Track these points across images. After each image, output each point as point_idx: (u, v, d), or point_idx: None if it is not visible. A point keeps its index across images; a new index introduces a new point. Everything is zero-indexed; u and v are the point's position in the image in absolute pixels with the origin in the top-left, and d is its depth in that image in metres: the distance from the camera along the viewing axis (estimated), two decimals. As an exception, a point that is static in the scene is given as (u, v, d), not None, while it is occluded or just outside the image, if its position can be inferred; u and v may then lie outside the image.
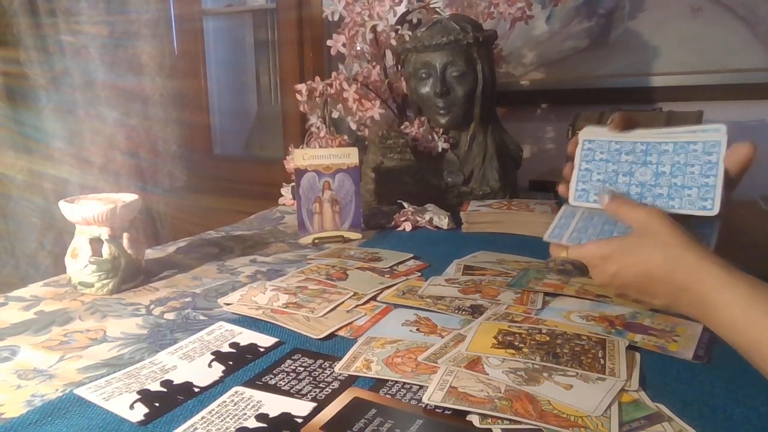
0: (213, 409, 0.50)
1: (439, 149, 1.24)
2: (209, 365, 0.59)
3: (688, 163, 0.57)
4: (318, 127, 1.29)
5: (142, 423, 0.49)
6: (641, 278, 0.55)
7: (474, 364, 0.55)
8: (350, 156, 1.04)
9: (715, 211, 0.55)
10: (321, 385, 0.55)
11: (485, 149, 1.25)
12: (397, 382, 0.54)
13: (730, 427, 0.47)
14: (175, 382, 0.56)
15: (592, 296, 0.72)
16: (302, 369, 0.58)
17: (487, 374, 0.53)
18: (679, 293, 0.52)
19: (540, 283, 0.77)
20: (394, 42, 1.28)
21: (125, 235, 0.83)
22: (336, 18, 1.26)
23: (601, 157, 0.61)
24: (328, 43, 1.28)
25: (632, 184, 0.59)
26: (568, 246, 0.61)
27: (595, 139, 0.63)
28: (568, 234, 0.63)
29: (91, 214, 0.78)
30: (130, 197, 0.85)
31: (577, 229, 0.63)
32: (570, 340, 0.60)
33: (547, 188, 1.40)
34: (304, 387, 0.54)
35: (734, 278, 0.49)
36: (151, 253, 0.98)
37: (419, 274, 0.86)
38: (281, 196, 1.39)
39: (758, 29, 1.31)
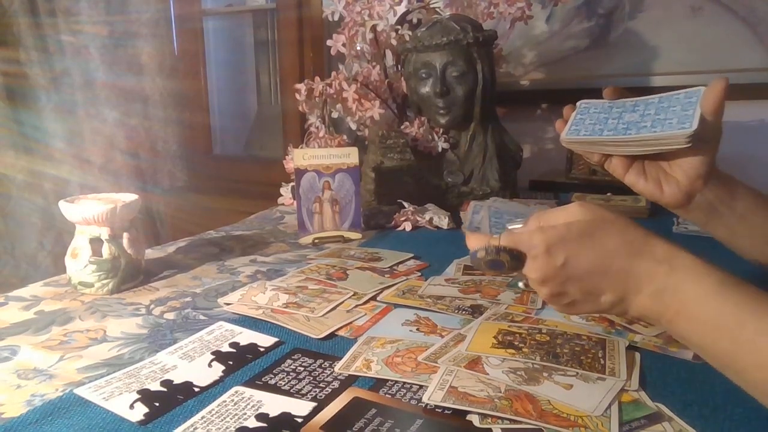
0: (213, 409, 0.50)
1: (439, 149, 1.24)
2: (209, 365, 0.59)
3: (671, 106, 0.61)
4: (317, 127, 1.29)
5: (142, 423, 0.49)
6: (594, 269, 0.48)
7: (474, 363, 0.55)
8: (350, 156, 1.04)
9: (694, 127, 0.56)
10: (321, 384, 0.55)
11: (485, 149, 1.25)
12: (397, 381, 0.54)
13: (730, 427, 0.47)
14: (175, 382, 0.56)
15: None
16: (302, 369, 0.58)
17: (487, 374, 0.53)
18: (636, 284, 0.47)
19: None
20: (394, 42, 1.28)
21: (125, 235, 0.83)
22: (336, 18, 1.26)
23: (594, 111, 0.67)
24: (328, 43, 1.28)
25: (620, 124, 0.63)
26: (498, 234, 0.51)
27: (590, 101, 0.69)
28: (568, 129, 0.66)
29: (91, 214, 0.78)
30: (130, 197, 0.85)
31: (576, 125, 0.66)
32: (570, 340, 0.60)
33: (547, 188, 1.40)
34: (304, 387, 0.54)
35: (714, 270, 0.46)
36: (151, 253, 0.98)
37: (419, 274, 0.86)
38: (281, 196, 1.39)
39: (758, 29, 1.31)
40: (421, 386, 0.53)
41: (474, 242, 0.52)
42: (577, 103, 0.69)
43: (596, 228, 0.49)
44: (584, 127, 0.65)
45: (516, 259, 0.50)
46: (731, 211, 0.62)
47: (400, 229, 1.12)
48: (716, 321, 0.45)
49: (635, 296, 0.48)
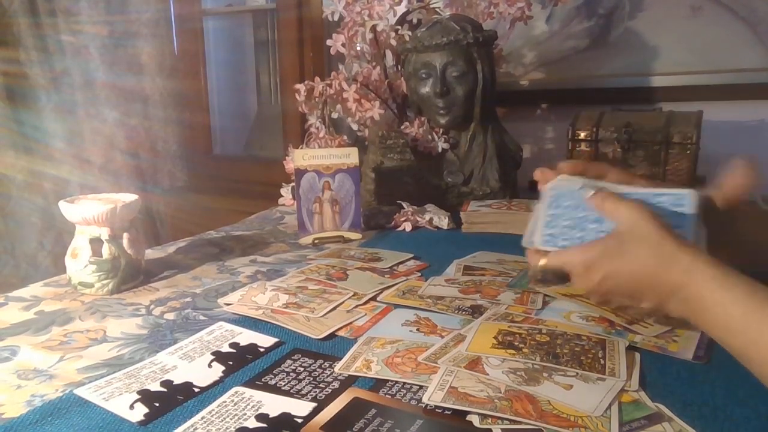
0: (213, 409, 0.50)
1: (439, 149, 1.24)
2: (209, 365, 0.59)
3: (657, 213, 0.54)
4: (317, 127, 1.29)
5: (142, 423, 0.49)
6: (630, 281, 0.53)
7: (474, 364, 0.55)
8: (350, 156, 1.04)
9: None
10: (321, 385, 0.55)
11: (485, 149, 1.25)
12: (397, 382, 0.54)
13: (730, 427, 0.47)
14: (175, 382, 0.56)
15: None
16: (302, 369, 0.58)
17: (487, 374, 0.53)
18: (669, 293, 0.51)
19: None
20: (394, 42, 1.28)
21: (125, 235, 0.83)
22: (336, 18, 1.26)
23: (568, 204, 0.58)
24: (328, 42, 1.28)
25: (601, 231, 0.55)
26: (547, 252, 0.57)
27: (560, 186, 0.59)
28: (541, 237, 0.58)
29: (91, 214, 0.78)
30: (130, 197, 0.85)
31: (550, 228, 0.58)
32: (570, 340, 0.60)
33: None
34: (304, 387, 0.54)
35: (731, 277, 0.48)
36: (151, 253, 0.98)
37: (419, 274, 0.86)
38: (281, 196, 1.39)
39: (758, 29, 1.31)
40: (421, 386, 0.53)
41: (530, 259, 0.60)
42: (546, 190, 0.59)
43: (630, 242, 0.53)
44: (561, 232, 0.57)
45: (560, 276, 0.57)
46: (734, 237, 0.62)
47: (400, 229, 1.12)
48: (743, 327, 0.46)
49: (668, 303, 0.52)
